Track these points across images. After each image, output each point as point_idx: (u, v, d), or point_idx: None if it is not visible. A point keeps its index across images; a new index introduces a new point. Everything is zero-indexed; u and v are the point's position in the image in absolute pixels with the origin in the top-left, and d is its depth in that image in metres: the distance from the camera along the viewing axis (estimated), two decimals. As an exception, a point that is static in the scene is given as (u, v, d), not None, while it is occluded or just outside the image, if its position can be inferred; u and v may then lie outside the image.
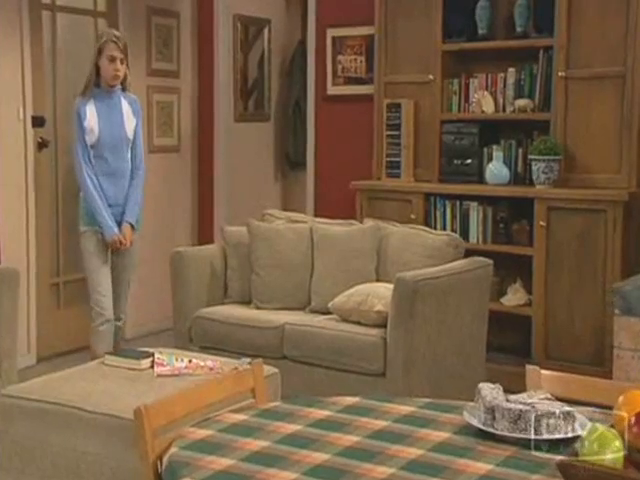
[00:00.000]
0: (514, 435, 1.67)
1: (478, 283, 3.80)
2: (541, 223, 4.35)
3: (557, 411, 1.69)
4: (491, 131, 4.73)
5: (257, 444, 1.71)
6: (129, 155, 3.94)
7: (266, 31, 6.45)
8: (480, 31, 4.72)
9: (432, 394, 3.56)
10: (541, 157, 4.40)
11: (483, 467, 1.57)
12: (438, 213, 4.71)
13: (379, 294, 3.67)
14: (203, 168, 5.97)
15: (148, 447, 1.74)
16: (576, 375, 1.94)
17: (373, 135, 4.98)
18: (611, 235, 4.20)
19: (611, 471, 1.29)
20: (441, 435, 1.73)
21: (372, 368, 3.55)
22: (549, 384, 1.88)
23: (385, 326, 3.57)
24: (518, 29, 4.64)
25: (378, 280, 3.96)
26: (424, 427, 1.78)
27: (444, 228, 4.63)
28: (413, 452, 1.65)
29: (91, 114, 3.85)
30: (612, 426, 1.50)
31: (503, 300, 4.56)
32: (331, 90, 5.43)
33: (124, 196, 3.92)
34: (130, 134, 3.93)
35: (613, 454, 1.31)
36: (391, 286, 3.60)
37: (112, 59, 3.84)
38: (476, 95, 4.72)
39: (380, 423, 1.80)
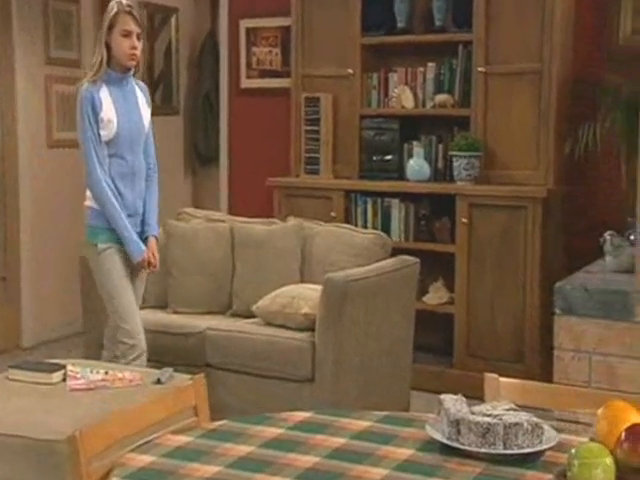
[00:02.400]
0: (483, 450, 1.60)
1: (406, 282, 3.77)
2: (463, 220, 4.36)
3: (525, 423, 1.63)
4: (411, 127, 4.70)
5: (207, 470, 1.58)
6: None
7: (173, 20, 6.25)
8: (399, 24, 4.68)
9: (361, 399, 3.51)
10: (462, 153, 4.40)
11: (454, 486, 1.50)
12: (359, 211, 4.66)
13: (306, 296, 3.57)
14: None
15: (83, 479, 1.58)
16: (536, 382, 1.89)
17: (290, 130, 4.87)
18: (531, 232, 4.25)
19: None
20: (405, 452, 1.65)
21: (300, 373, 3.45)
22: (508, 392, 1.82)
23: (312, 329, 3.47)
24: (437, 23, 4.62)
25: (303, 281, 3.87)
26: (385, 444, 1.69)
27: (365, 226, 4.58)
28: (378, 473, 1.55)
29: (107, 103, 3.22)
30: (592, 440, 1.45)
31: (425, 299, 4.55)
32: (245, 83, 5.30)
33: (142, 203, 3.36)
34: (147, 127, 3.39)
35: (604, 473, 1.25)
36: (318, 287, 3.51)
37: (127, 34, 3.22)
38: (396, 90, 4.68)
39: (338, 441, 1.70)
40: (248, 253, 4.02)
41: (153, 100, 5.93)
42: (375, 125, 4.68)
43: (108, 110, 3.22)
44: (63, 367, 2.96)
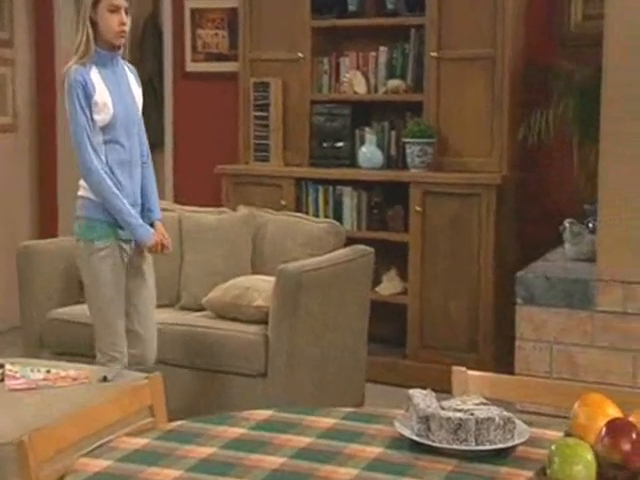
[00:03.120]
0: (455, 447, 1.58)
1: (360, 273, 3.74)
2: (417, 208, 4.35)
3: (497, 418, 1.61)
4: (363, 113, 4.68)
5: (167, 474, 1.53)
6: None
7: (113, 1, 6.09)
8: (350, 7, 4.64)
9: (316, 393, 3.49)
10: (415, 140, 4.39)
11: (427, 485, 1.47)
12: (310, 199, 4.63)
13: (259, 287, 3.52)
14: (44, 149, 5.57)
15: (35, 485, 1.52)
16: (504, 375, 1.88)
17: (239, 116, 4.80)
18: (485, 219, 4.26)
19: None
20: (373, 450, 1.62)
21: (253, 368, 3.40)
22: (477, 385, 1.80)
23: (265, 322, 3.43)
24: (389, 6, 4.60)
25: (255, 272, 3.82)
26: (353, 442, 1.65)
27: (316, 214, 4.55)
28: (347, 473, 1.52)
29: (99, 86, 3.01)
30: (568, 434, 1.44)
31: (378, 289, 4.53)
32: (190, 67, 5.21)
33: (140, 192, 3.17)
34: (140, 108, 3.19)
35: (586, 470, 1.24)
36: (271, 278, 3.46)
37: (115, 9, 2.98)
38: (347, 75, 4.65)
39: (303, 440, 1.67)
40: (197, 243, 3.95)
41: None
42: (326, 111, 4.64)
43: (102, 93, 3.01)
44: (1, 366, 2.86)
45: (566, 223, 2.81)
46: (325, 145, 4.66)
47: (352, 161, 4.64)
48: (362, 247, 3.83)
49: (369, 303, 3.86)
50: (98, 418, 1.71)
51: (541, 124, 4.08)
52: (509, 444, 1.59)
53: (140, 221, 3.10)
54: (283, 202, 4.56)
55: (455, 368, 1.83)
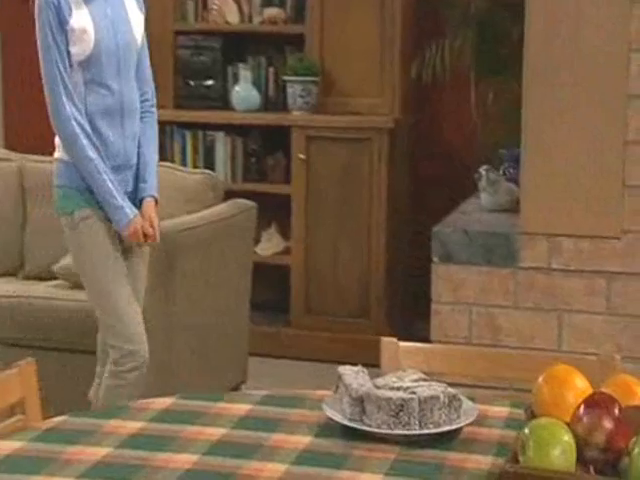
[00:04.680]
0: (397, 432, 1.52)
1: (242, 231, 3.68)
2: (300, 156, 4.29)
3: (441, 396, 1.57)
4: (236, 46, 4.57)
5: (53, 482, 1.39)
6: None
7: None
8: None
9: (195, 365, 3.42)
10: (296, 78, 4.32)
11: (369, 478, 1.41)
12: (176, 146, 4.50)
13: (125, 250, 3.37)
14: None
15: None
16: (441, 345, 1.85)
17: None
18: (377, 167, 4.25)
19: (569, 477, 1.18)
20: (301, 440, 1.54)
21: (121, 344, 3.25)
22: (410, 359, 1.76)
23: (134, 290, 3.29)
24: None
25: (118, 232, 3.65)
26: (275, 431, 1.57)
27: (184, 164, 4.42)
28: (275, 469, 1.44)
29: (78, 7, 2.58)
30: (528, 412, 1.40)
31: (257, 249, 4.45)
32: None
33: (136, 151, 2.74)
34: (139, 40, 2.74)
35: (564, 454, 1.20)
36: (139, 239, 3.31)
37: None
38: (217, 1, 4.50)
39: (216, 431, 1.57)
40: (44, 200, 3.73)
41: None
42: (192, 43, 4.51)
43: (80, 17, 2.58)
44: None
45: (482, 171, 2.80)
46: (192, 84, 4.53)
47: (224, 102, 4.52)
48: (243, 201, 3.75)
49: (251, 264, 3.79)
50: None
51: (436, 59, 4.08)
52: (456, 426, 1.55)
53: (120, 199, 2.65)
54: (144, 150, 4.38)
55: (385, 339, 1.78)
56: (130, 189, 2.74)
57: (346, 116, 4.32)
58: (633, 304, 2.55)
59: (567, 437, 1.22)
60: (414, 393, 1.56)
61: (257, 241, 4.46)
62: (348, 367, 1.66)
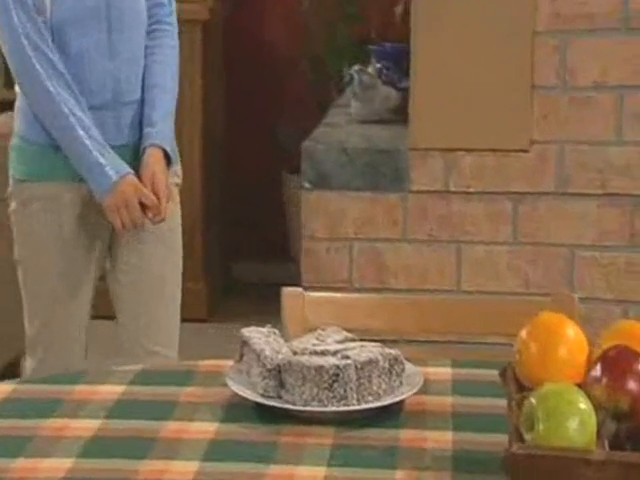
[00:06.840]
0: (333, 409, 1.39)
1: None
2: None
3: (380, 359, 1.45)
4: None
5: None
6: None
7: None
8: None
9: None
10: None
11: (309, 473, 1.27)
12: None
13: None
14: None
15: None
16: (355, 294, 1.73)
17: None
18: (189, 68, 4.06)
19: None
20: (206, 429, 1.38)
21: None
22: (320, 313, 1.63)
23: None
24: None
25: None
26: (168, 419, 1.41)
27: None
28: (185, 470, 1.28)
29: None
30: (508, 370, 1.31)
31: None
32: None
33: (138, 80, 2.16)
34: None
35: (582, 426, 1.11)
36: None
37: None
38: None
39: (89, 425, 1.39)
40: None
41: None
42: None
43: None
44: None
45: (353, 72, 2.65)
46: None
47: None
48: None
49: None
50: None
51: None
52: (403, 396, 1.45)
53: (98, 154, 2.08)
54: None
55: (286, 290, 1.64)
56: (128, 140, 2.18)
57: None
58: (543, 231, 2.51)
59: (584, 404, 1.13)
60: (347, 357, 1.44)
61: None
62: (254, 329, 1.51)
